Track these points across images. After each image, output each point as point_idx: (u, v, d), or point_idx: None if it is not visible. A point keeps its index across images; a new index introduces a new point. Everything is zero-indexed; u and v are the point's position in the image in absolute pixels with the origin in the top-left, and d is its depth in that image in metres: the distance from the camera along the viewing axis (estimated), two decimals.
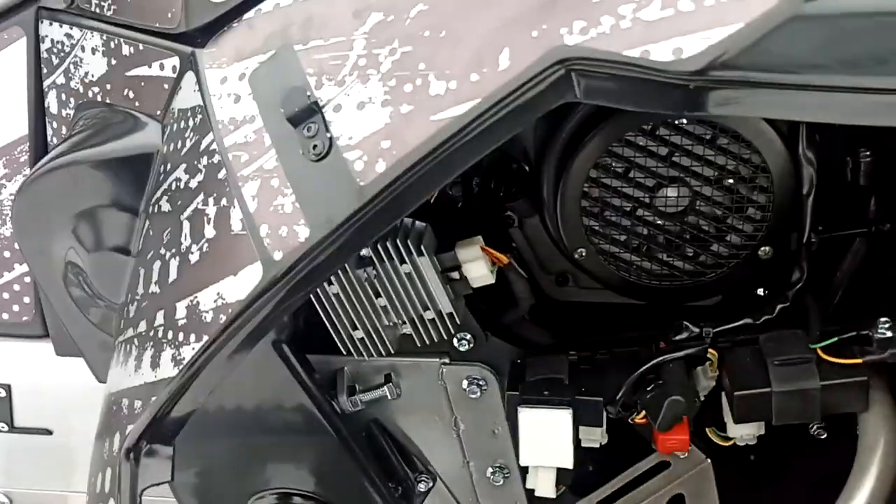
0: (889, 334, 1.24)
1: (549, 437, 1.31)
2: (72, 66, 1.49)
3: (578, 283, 1.57)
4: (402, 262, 1.30)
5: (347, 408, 1.46)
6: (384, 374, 1.48)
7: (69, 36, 1.47)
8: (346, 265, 1.30)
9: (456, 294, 1.35)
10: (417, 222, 1.34)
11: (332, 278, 1.31)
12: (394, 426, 1.52)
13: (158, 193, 1.30)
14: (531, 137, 1.43)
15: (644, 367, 1.33)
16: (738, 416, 1.31)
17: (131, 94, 1.43)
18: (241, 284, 1.11)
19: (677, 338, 1.35)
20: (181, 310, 1.17)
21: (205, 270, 1.15)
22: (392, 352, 1.38)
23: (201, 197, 1.18)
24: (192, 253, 1.18)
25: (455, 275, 1.34)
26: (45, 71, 1.51)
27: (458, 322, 1.35)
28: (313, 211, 1.09)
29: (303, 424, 1.40)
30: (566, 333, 1.48)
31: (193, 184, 1.21)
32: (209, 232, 1.16)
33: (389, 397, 1.47)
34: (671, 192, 1.35)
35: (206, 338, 1.12)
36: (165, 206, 1.27)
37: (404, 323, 1.36)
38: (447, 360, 1.46)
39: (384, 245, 1.29)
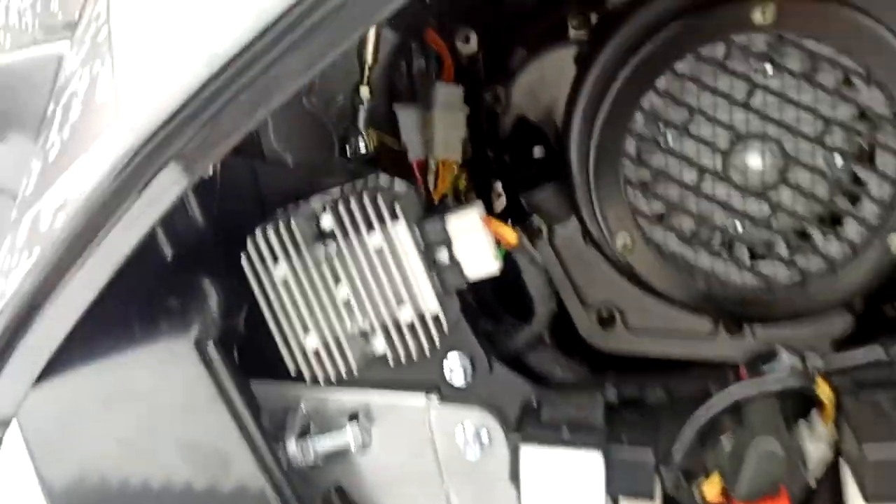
0: None
1: (565, 493, 0.87)
2: None
3: (628, 324, 1.15)
4: (370, 228, 0.93)
5: (297, 458, 1.04)
6: (349, 414, 1.07)
7: None
8: (300, 236, 0.93)
9: (445, 287, 0.96)
10: (398, 181, 0.98)
11: (281, 256, 0.94)
12: (361, 494, 1.08)
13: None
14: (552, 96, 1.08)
15: (716, 407, 0.89)
16: (872, 491, 0.85)
17: None
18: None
19: (767, 366, 0.92)
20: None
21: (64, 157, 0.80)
22: (354, 372, 0.98)
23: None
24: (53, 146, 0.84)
25: (444, 257, 0.96)
26: None
27: (447, 329, 0.95)
28: None
29: (223, 470, 0.99)
30: (601, 363, 1.06)
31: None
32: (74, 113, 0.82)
33: (354, 448, 1.04)
34: (752, 153, 0.96)
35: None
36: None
37: (374, 331, 0.97)
38: (436, 398, 1.04)
39: (346, 206, 0.93)
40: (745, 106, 0.94)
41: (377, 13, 0.68)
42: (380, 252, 0.94)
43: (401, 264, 0.94)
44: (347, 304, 0.96)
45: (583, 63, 1.01)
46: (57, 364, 0.96)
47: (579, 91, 0.99)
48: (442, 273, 0.96)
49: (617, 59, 0.96)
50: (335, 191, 0.99)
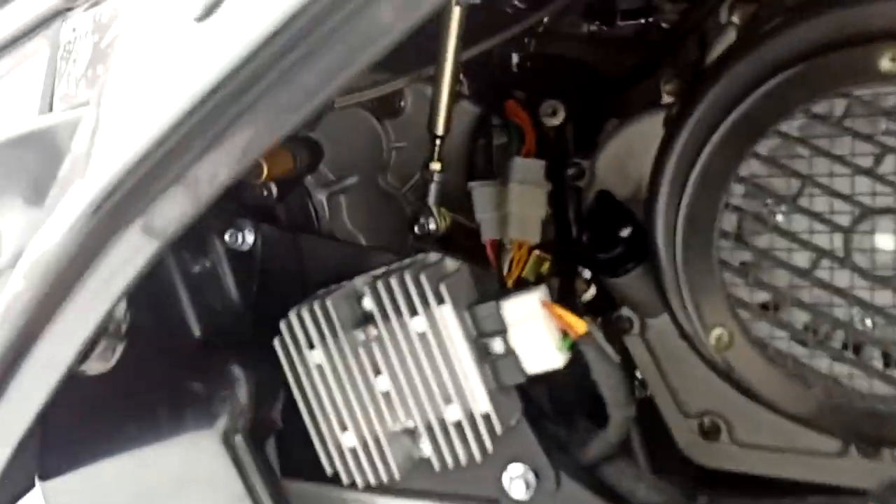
0: None
1: None
2: None
3: (735, 438, 0.97)
4: (414, 312, 0.81)
5: None
6: None
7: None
8: (338, 319, 0.83)
9: (499, 381, 0.82)
10: (449, 259, 0.86)
11: (316, 341, 0.84)
12: None
13: None
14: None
15: None
16: None
17: None
18: None
19: None
20: None
21: None
22: (396, 477, 0.85)
23: None
24: None
25: (498, 347, 0.82)
26: None
27: (499, 431, 0.81)
28: None
29: None
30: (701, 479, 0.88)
31: None
32: None
33: None
34: (882, 232, 0.78)
35: None
36: None
37: (418, 430, 0.84)
38: None
39: (387, 285, 0.81)
40: (872, 174, 0.77)
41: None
42: (423, 338, 0.81)
43: (447, 353, 0.81)
44: (388, 398, 0.84)
45: (672, 124, 0.87)
46: (81, 453, 0.89)
47: (666, 157, 0.85)
48: (496, 366, 0.82)
49: (711, 119, 0.81)
50: (381, 270, 0.88)
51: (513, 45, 1.32)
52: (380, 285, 0.82)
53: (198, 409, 0.86)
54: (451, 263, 0.85)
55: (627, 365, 1.04)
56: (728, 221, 0.82)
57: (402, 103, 1.20)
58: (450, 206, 1.13)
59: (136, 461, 0.87)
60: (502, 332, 0.81)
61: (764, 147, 0.80)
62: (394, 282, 0.81)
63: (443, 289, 0.80)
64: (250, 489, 0.86)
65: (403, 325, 0.81)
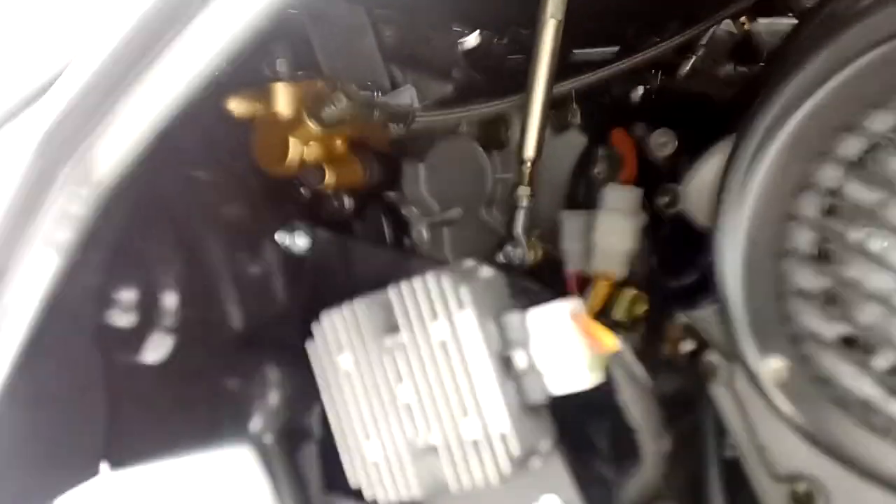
0: None
1: None
2: None
3: None
4: (434, 317, 0.77)
5: None
6: None
7: None
8: (368, 324, 0.81)
9: (523, 399, 0.75)
10: (486, 268, 0.81)
11: (346, 346, 0.82)
12: None
13: None
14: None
15: None
16: None
17: None
18: None
19: None
20: None
21: None
22: (418, 497, 0.80)
23: None
24: None
25: (521, 360, 0.75)
26: None
27: (518, 452, 0.74)
28: None
29: None
30: None
31: None
32: None
33: None
34: None
35: None
36: None
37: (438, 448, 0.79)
38: None
39: (409, 287, 0.78)
40: None
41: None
42: (443, 347, 0.77)
43: (466, 364, 0.76)
44: (409, 409, 0.79)
45: (743, 127, 0.77)
46: (140, 445, 0.92)
47: (733, 163, 0.76)
48: (519, 382, 0.75)
49: (780, 117, 0.71)
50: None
51: (637, 79, 1.27)
52: (403, 288, 0.79)
53: (233, 408, 0.86)
54: (486, 271, 0.81)
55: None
56: (797, 238, 0.71)
57: (509, 134, 1.18)
58: (551, 240, 1.08)
59: (179, 456, 0.89)
60: (526, 343, 0.75)
61: (846, 147, 0.68)
62: (416, 284, 0.78)
63: (464, 293, 0.75)
64: (278, 492, 0.85)
65: (425, 332, 0.77)
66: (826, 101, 0.68)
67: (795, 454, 0.83)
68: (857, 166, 0.68)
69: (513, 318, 0.75)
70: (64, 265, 0.62)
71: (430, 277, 0.77)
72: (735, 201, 0.73)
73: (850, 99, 0.67)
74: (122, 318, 0.92)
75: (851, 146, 0.68)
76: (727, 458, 0.95)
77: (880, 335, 0.68)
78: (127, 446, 0.95)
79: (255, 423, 0.85)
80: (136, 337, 0.92)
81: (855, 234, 0.69)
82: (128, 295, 0.92)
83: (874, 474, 0.69)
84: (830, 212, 0.70)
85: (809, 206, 0.70)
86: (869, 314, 0.69)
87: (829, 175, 0.69)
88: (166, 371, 0.90)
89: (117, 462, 0.95)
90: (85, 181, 0.58)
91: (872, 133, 0.67)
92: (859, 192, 0.68)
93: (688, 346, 0.99)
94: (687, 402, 1.00)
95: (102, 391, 0.90)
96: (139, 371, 0.91)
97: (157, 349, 0.90)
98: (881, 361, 0.69)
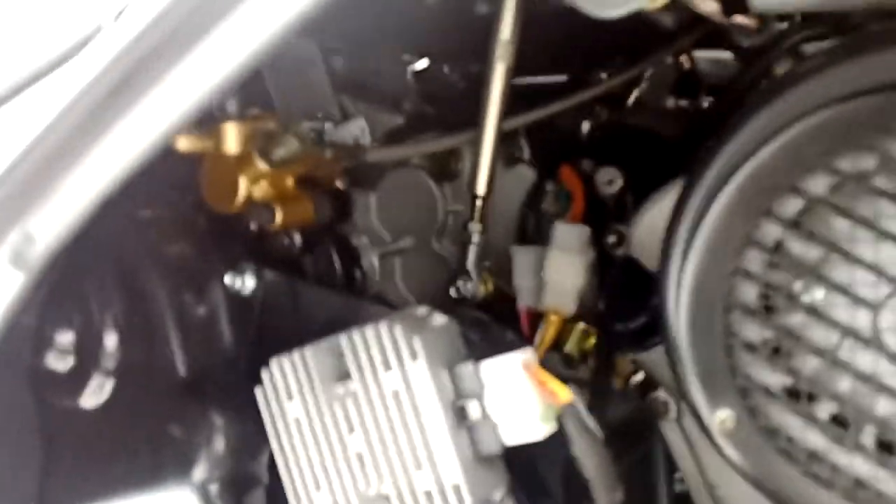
0: None
1: None
2: None
3: None
4: (387, 367, 0.76)
5: None
6: None
7: None
8: (317, 371, 0.80)
9: (476, 449, 0.75)
10: (437, 315, 0.81)
11: (295, 393, 0.81)
12: None
13: None
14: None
15: None
16: None
17: None
18: None
19: None
20: None
21: None
22: None
23: None
24: None
25: (475, 411, 0.75)
26: None
27: None
28: None
29: None
30: None
31: None
32: None
33: None
34: None
35: None
36: None
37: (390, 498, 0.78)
38: None
39: (362, 336, 0.78)
40: None
41: None
42: (396, 397, 0.76)
43: (419, 414, 0.75)
44: (360, 459, 0.79)
45: (687, 182, 0.79)
46: (77, 491, 0.89)
47: (678, 219, 0.77)
48: (473, 433, 0.75)
49: (725, 174, 0.73)
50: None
51: (584, 113, 1.28)
52: (356, 336, 0.78)
53: (175, 455, 0.84)
54: (439, 319, 0.80)
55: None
56: (742, 291, 0.72)
57: (460, 166, 1.18)
58: (500, 273, 1.08)
59: (118, 500, 0.86)
60: (479, 394, 0.74)
61: (782, 208, 0.70)
62: (369, 333, 0.77)
63: (416, 343, 0.75)
64: None
65: (377, 382, 0.77)
66: (765, 163, 0.70)
67: (744, 492, 0.85)
68: (797, 225, 0.70)
69: (466, 369, 0.75)
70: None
71: (382, 326, 0.76)
72: (681, 255, 0.75)
73: (789, 161, 0.69)
74: (60, 362, 0.89)
75: (791, 206, 0.70)
76: (677, 492, 0.96)
77: (821, 386, 0.70)
78: (62, 490, 0.92)
79: (200, 472, 0.83)
80: (74, 380, 0.90)
81: (796, 288, 0.71)
82: (65, 337, 0.90)
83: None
84: (774, 266, 0.71)
85: (753, 260, 0.72)
86: (810, 365, 0.70)
87: (771, 232, 0.71)
88: (106, 415, 0.88)
89: None
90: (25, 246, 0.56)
91: (811, 195, 0.69)
92: (799, 249, 0.70)
93: (638, 377, 1.01)
94: (637, 434, 1.01)
95: (37, 435, 0.87)
96: (77, 414, 0.88)
97: (96, 393, 0.87)
98: (822, 412, 0.70)
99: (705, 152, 0.76)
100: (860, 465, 0.68)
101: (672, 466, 0.97)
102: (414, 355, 0.75)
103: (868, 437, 0.68)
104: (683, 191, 0.77)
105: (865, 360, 0.67)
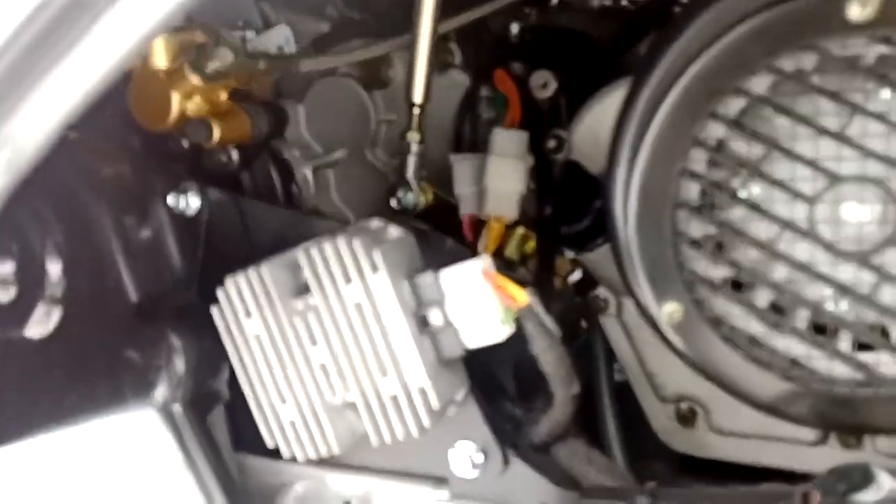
0: None
1: None
2: None
3: (712, 424, 0.92)
4: (348, 280, 0.77)
5: None
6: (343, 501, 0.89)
7: None
8: (274, 287, 0.80)
9: (439, 354, 0.78)
10: (394, 226, 0.82)
11: (253, 310, 0.81)
12: None
13: None
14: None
15: None
16: None
17: None
18: None
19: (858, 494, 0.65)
20: None
21: None
22: (335, 451, 0.82)
23: None
24: None
25: (437, 318, 0.78)
26: None
27: (437, 406, 0.77)
28: None
29: None
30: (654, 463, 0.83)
31: None
32: None
33: None
34: (848, 201, 0.71)
35: None
36: None
37: (357, 404, 0.80)
38: (444, 498, 0.85)
39: (321, 251, 0.78)
40: (839, 137, 0.70)
41: None
42: (358, 308, 0.77)
43: (382, 324, 0.77)
44: (325, 370, 0.80)
45: (633, 86, 0.81)
46: (24, 422, 0.88)
47: (625, 121, 0.79)
48: (436, 339, 0.78)
49: (670, 78, 0.75)
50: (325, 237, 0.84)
51: (513, 15, 1.27)
52: (314, 251, 0.78)
53: (135, 378, 0.84)
54: (394, 231, 0.81)
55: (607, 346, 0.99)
56: (687, 190, 0.76)
57: (391, 73, 1.16)
58: (438, 182, 1.09)
59: (76, 432, 0.86)
60: (440, 302, 0.77)
61: (724, 107, 0.73)
62: (327, 248, 0.78)
63: (377, 255, 0.76)
64: (190, 461, 0.84)
65: (338, 295, 0.78)
66: (710, 65, 0.72)
67: (680, 378, 0.92)
68: (739, 124, 0.74)
69: (426, 279, 0.77)
70: None
71: (341, 240, 0.77)
72: (629, 156, 0.77)
73: (732, 62, 0.72)
74: (1, 293, 0.87)
75: (734, 106, 0.73)
76: (617, 381, 1.03)
77: (760, 276, 0.75)
78: (12, 420, 0.90)
79: (161, 393, 0.84)
80: (17, 310, 0.87)
81: (735, 184, 0.75)
82: (4, 268, 0.87)
83: (754, 400, 0.77)
84: (715, 164, 0.75)
85: (698, 160, 0.75)
86: (750, 257, 0.75)
87: (715, 132, 0.74)
88: (56, 343, 0.86)
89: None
90: None
91: (753, 94, 0.72)
92: (742, 148, 0.73)
93: (576, 276, 1.05)
94: (573, 329, 1.06)
95: None
96: (23, 344, 0.86)
97: (42, 322, 0.85)
98: (761, 300, 0.76)
99: (649, 56, 0.78)
100: (795, 347, 0.74)
101: (611, 358, 1.02)
102: (374, 268, 0.76)
103: (802, 320, 0.74)
104: (629, 95, 0.79)
105: (802, 250, 0.72)
